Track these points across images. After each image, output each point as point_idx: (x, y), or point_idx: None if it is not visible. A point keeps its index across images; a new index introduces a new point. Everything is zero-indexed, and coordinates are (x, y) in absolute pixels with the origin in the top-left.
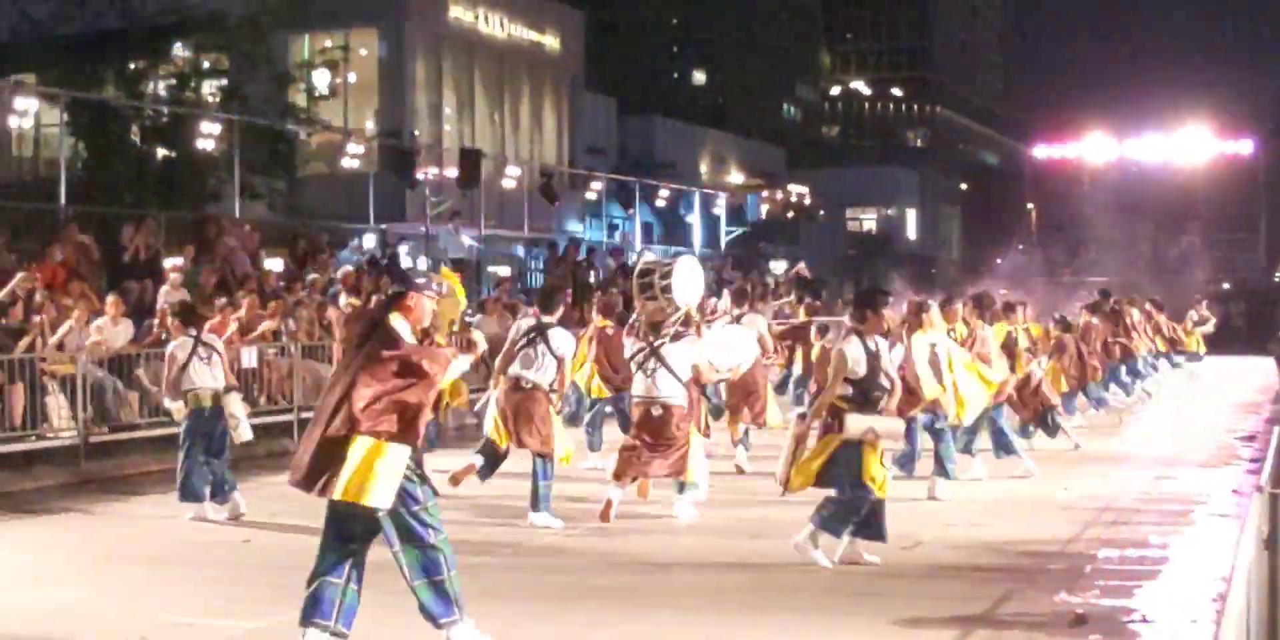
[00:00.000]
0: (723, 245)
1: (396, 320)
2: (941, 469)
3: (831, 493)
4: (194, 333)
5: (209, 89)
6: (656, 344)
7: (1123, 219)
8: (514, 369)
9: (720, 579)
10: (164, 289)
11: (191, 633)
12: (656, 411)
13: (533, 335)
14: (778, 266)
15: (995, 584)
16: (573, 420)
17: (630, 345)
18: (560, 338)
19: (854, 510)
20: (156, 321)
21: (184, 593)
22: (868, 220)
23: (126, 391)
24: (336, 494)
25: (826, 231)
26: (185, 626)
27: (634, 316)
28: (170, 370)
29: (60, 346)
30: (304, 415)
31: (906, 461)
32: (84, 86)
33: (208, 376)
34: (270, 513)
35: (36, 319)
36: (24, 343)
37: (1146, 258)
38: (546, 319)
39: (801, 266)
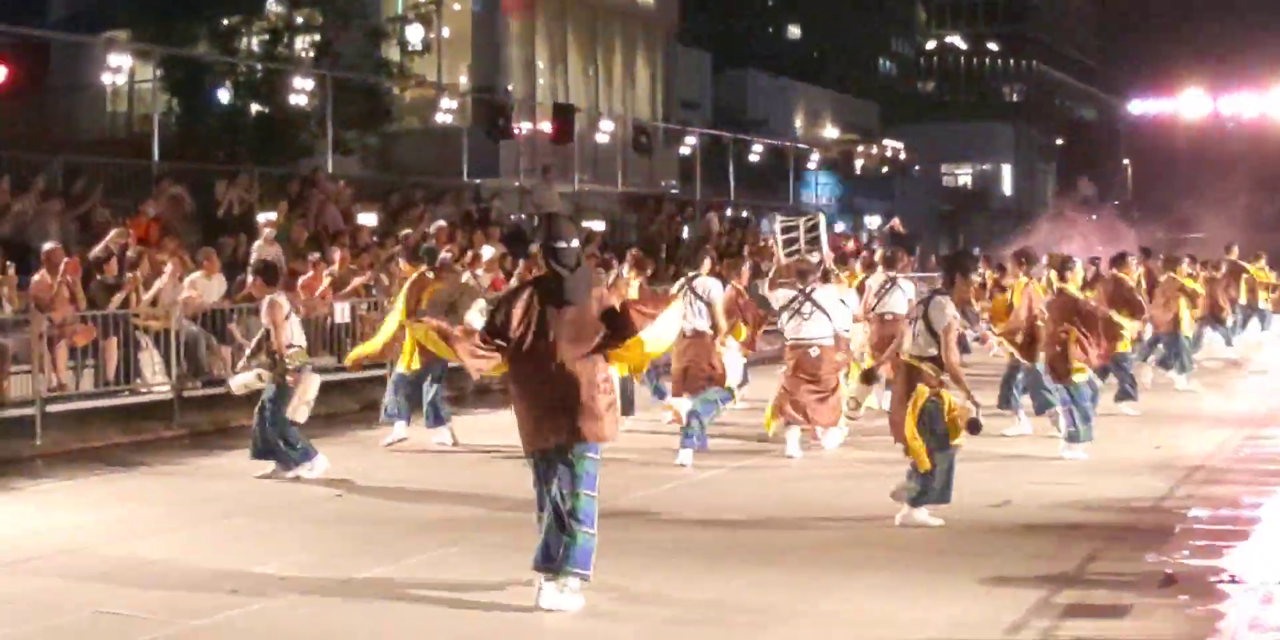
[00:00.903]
0: (817, 200)
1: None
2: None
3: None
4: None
5: (302, 44)
6: (809, 290)
7: (1218, 176)
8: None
9: (810, 536)
10: (257, 244)
11: (284, 586)
12: (814, 352)
13: (684, 287)
14: (872, 221)
15: (1083, 543)
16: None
17: (778, 296)
18: (704, 285)
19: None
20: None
21: (277, 547)
22: (963, 175)
23: (220, 346)
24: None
25: (921, 187)
26: (277, 580)
27: (771, 270)
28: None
29: (154, 302)
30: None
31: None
32: (177, 43)
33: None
34: (363, 470)
35: (130, 275)
36: (118, 298)
37: (1242, 215)
38: (692, 272)
39: (896, 222)
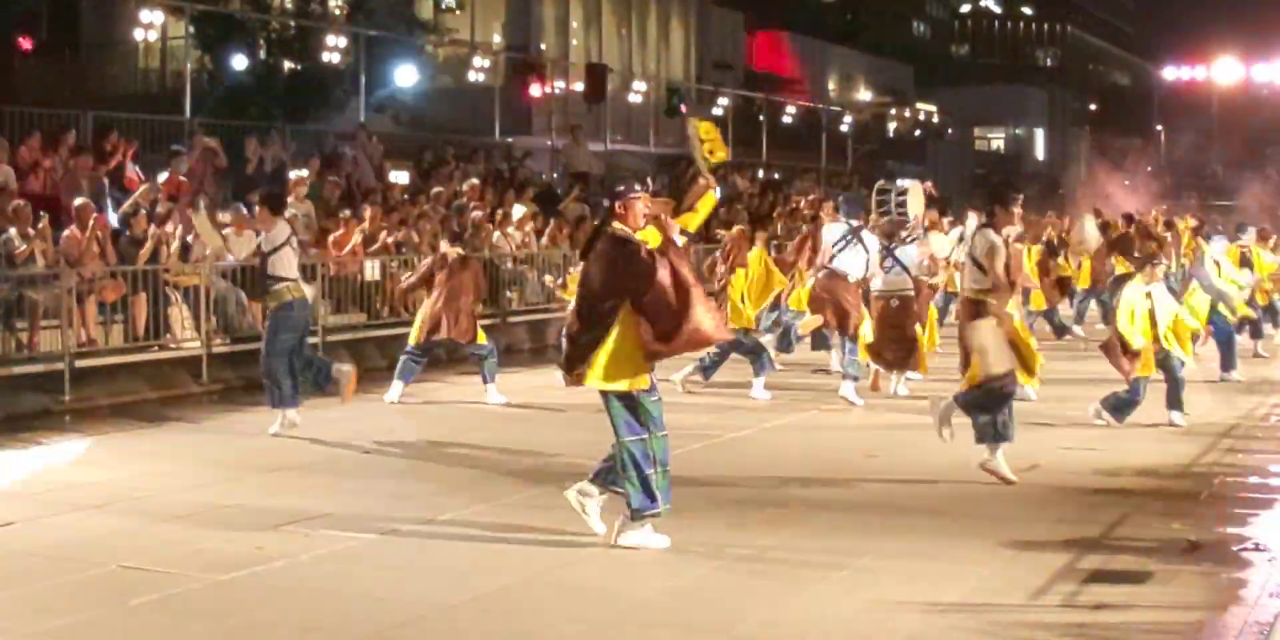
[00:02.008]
0: (850, 163)
1: (619, 228)
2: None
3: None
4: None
5: (335, 1)
6: (893, 247)
7: (1250, 143)
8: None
9: (838, 496)
10: (289, 201)
11: (308, 543)
12: (894, 303)
13: (849, 237)
14: (906, 184)
15: (1109, 508)
16: None
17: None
18: (870, 238)
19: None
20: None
21: (303, 504)
22: (996, 139)
23: (250, 302)
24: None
25: (954, 150)
26: (302, 536)
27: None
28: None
29: (184, 257)
30: None
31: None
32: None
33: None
34: (389, 427)
35: (158, 230)
36: (146, 252)
37: (1275, 182)
38: (855, 223)
39: (929, 185)
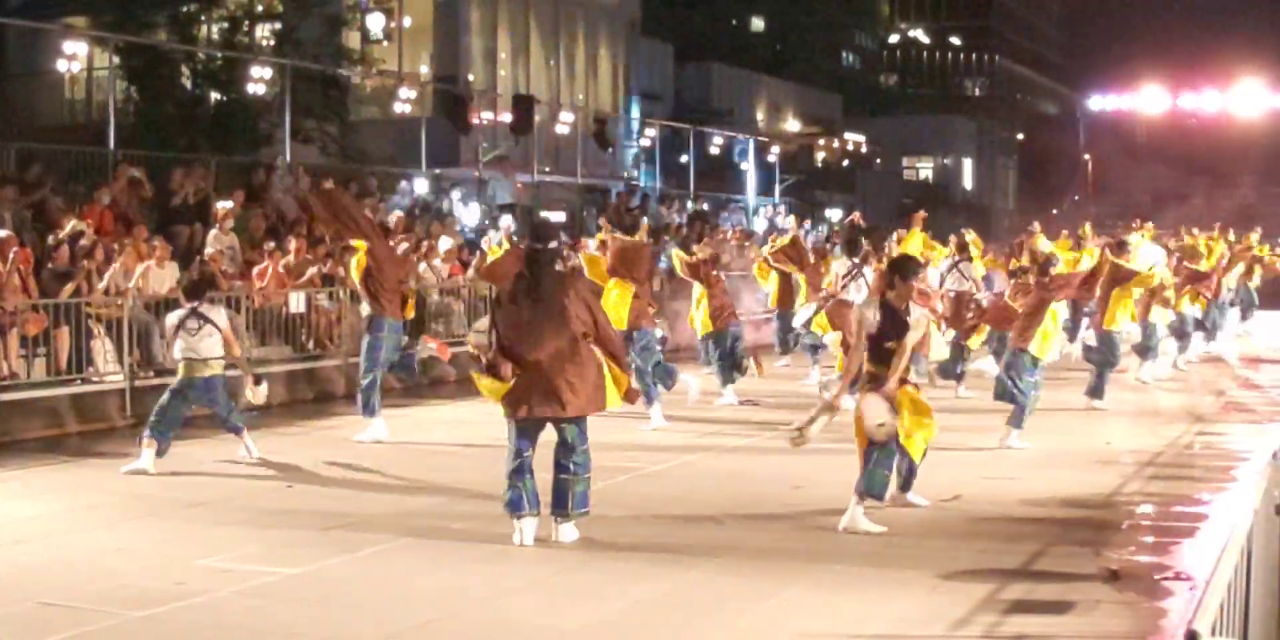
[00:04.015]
0: (778, 193)
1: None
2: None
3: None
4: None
5: (262, 32)
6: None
7: (1178, 171)
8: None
9: (761, 528)
10: (213, 233)
11: (229, 578)
12: None
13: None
14: (833, 214)
15: (1032, 538)
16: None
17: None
18: (869, 272)
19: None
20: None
21: (225, 538)
22: (924, 169)
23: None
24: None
25: (883, 180)
26: (223, 572)
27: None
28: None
29: (107, 291)
30: (351, 360)
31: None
32: (136, 30)
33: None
34: (314, 459)
35: (84, 263)
36: (70, 287)
37: (1200, 211)
38: (857, 260)
39: (857, 215)
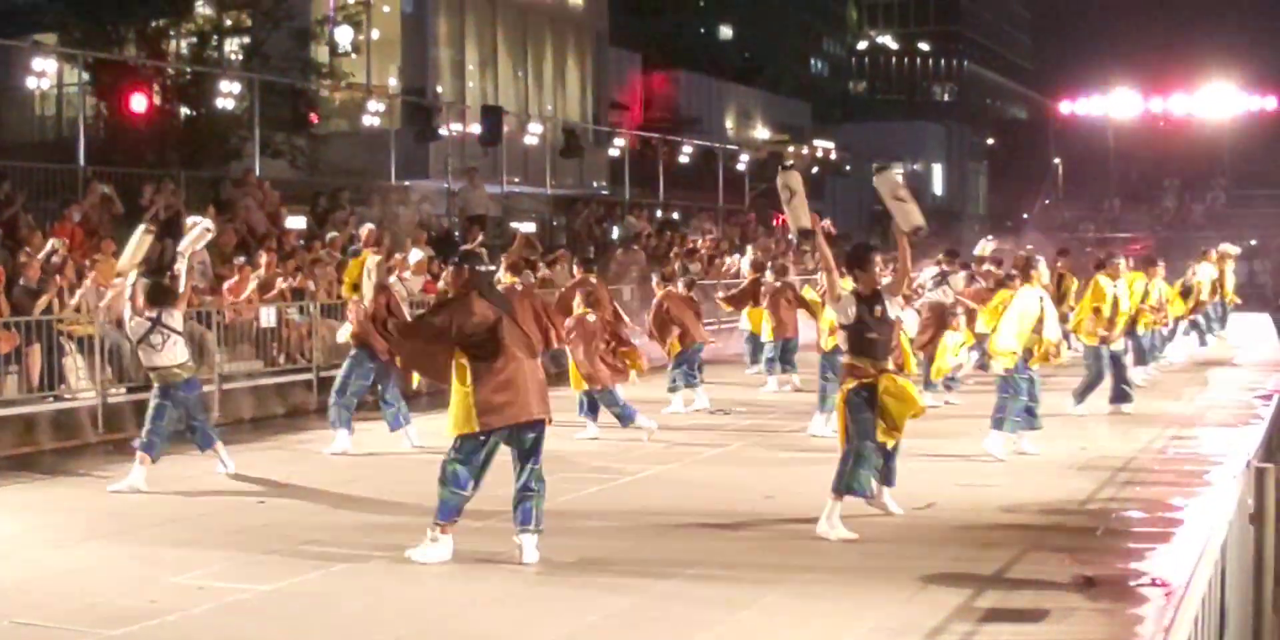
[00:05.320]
0: (748, 201)
1: None
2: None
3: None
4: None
5: (231, 47)
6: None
7: (1148, 175)
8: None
9: (734, 538)
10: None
11: (202, 596)
12: None
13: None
14: None
15: (1007, 545)
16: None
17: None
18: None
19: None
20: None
21: (198, 555)
22: (894, 174)
23: None
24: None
25: (853, 187)
26: (195, 590)
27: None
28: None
29: (79, 308)
30: (323, 374)
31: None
32: (105, 46)
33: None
34: (286, 473)
35: (55, 279)
36: (41, 303)
37: (1171, 214)
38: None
39: (827, 222)
